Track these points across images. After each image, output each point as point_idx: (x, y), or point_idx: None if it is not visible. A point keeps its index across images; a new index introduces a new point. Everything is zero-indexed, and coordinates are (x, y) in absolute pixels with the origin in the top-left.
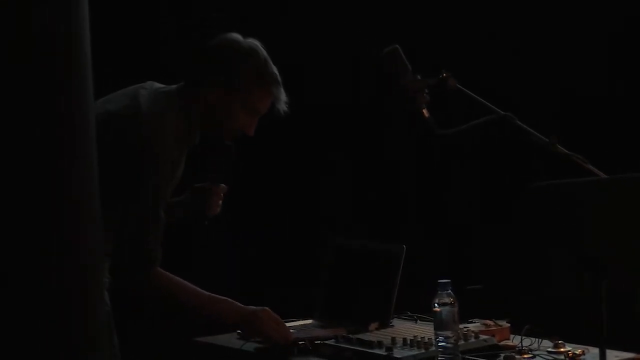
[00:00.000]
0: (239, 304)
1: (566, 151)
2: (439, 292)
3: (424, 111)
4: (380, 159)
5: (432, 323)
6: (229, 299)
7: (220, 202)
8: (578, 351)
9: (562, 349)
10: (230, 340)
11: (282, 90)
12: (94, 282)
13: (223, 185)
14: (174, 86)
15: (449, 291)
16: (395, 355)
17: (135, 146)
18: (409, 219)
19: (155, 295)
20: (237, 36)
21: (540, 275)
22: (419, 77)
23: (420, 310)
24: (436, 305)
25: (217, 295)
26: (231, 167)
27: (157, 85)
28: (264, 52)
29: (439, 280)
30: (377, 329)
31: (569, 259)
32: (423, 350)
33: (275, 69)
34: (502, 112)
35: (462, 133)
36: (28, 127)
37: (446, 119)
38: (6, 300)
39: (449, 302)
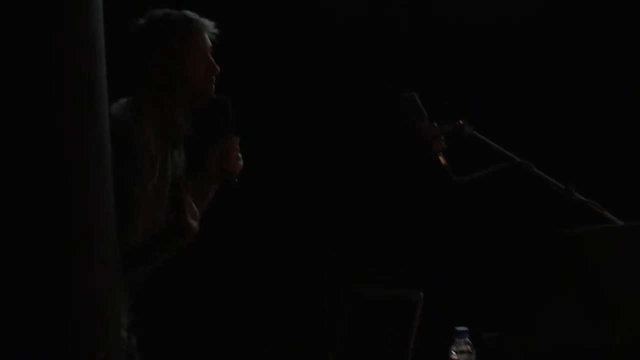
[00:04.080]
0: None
1: (583, 198)
2: (457, 339)
3: (441, 157)
4: (394, 200)
5: None
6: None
7: (240, 154)
8: None
9: None
10: None
11: (204, 22)
12: (108, 299)
13: (235, 137)
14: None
15: (467, 339)
16: None
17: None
18: (424, 264)
19: None
20: (138, 20)
21: (558, 323)
22: (435, 124)
23: (436, 358)
24: (453, 353)
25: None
26: (232, 118)
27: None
28: (165, 11)
29: (456, 328)
30: None
31: (587, 306)
32: None
33: (187, 13)
34: (519, 160)
35: (479, 180)
36: (43, 140)
37: (463, 164)
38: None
39: (467, 350)
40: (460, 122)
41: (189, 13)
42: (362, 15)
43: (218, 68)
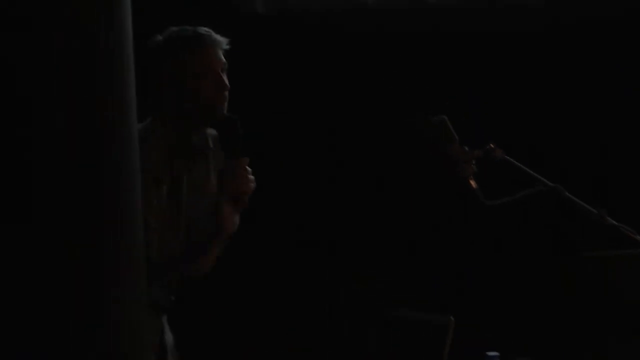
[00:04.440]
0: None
1: (615, 223)
2: None
3: (472, 182)
4: (422, 222)
5: None
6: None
7: (251, 176)
8: None
9: None
10: None
11: (217, 38)
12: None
13: (243, 157)
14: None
15: None
16: None
17: None
18: (454, 288)
19: None
20: (156, 36)
21: (592, 347)
22: (465, 147)
23: None
24: None
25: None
26: (242, 138)
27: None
28: (181, 27)
29: (487, 353)
30: None
31: (620, 331)
32: None
33: (201, 28)
34: (551, 184)
35: (510, 204)
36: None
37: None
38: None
39: None
40: (492, 145)
41: (203, 29)
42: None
43: (228, 85)
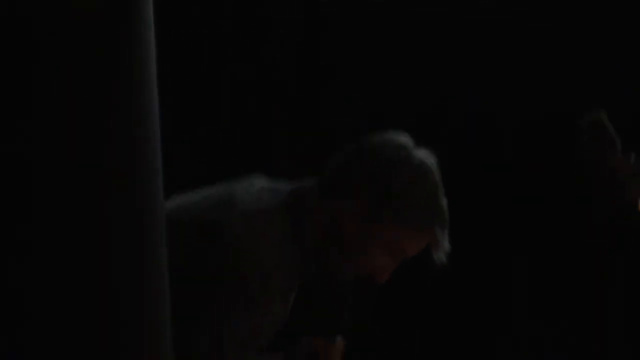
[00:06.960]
0: None
1: None
2: None
3: None
4: None
5: None
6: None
7: None
8: None
9: None
10: None
11: (446, 233)
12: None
13: (340, 339)
14: (287, 185)
15: None
16: None
17: (224, 249)
18: None
19: None
20: (406, 141)
21: None
22: (633, 155)
23: None
24: None
25: None
26: (350, 317)
27: (262, 180)
28: (435, 172)
29: None
30: None
31: None
32: None
33: (444, 200)
34: None
35: None
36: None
37: None
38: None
39: None
40: None
41: (445, 207)
42: None
43: (384, 280)
